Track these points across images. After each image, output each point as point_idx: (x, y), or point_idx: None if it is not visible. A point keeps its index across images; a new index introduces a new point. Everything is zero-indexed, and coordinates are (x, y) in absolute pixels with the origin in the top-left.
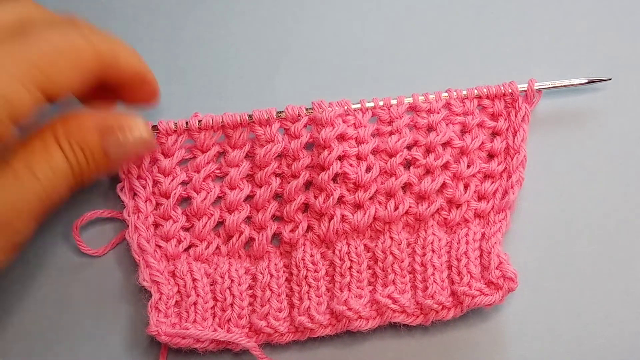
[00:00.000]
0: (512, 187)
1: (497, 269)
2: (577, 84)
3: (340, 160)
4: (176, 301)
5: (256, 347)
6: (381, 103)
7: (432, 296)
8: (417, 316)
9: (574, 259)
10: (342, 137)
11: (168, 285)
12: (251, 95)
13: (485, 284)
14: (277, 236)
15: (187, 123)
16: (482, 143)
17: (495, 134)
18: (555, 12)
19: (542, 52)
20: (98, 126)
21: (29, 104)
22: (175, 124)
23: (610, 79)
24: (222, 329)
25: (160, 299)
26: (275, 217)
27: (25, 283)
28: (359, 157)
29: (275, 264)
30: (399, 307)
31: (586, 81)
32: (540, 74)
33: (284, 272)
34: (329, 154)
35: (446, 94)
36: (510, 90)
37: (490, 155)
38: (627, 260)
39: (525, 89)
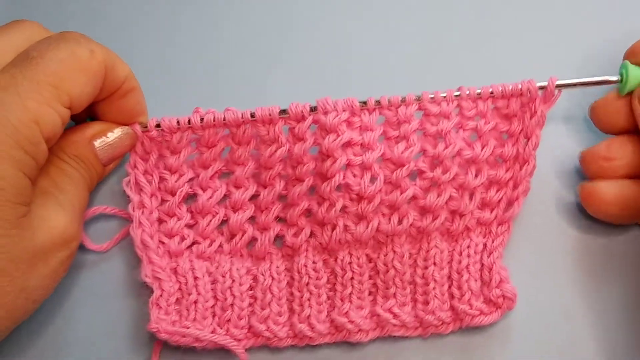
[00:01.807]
0: (517, 199)
1: (497, 287)
2: (602, 82)
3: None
4: (177, 298)
5: (246, 358)
6: (389, 101)
7: (432, 312)
8: (416, 328)
9: (575, 268)
10: (347, 144)
11: (169, 282)
12: (247, 97)
13: (485, 302)
14: (280, 237)
15: (189, 120)
16: (493, 149)
17: (507, 134)
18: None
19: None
20: (85, 137)
21: (58, 122)
22: (178, 122)
23: None
24: (221, 328)
25: (161, 295)
26: (279, 219)
27: None
28: (363, 167)
29: (277, 267)
30: (399, 322)
31: (616, 79)
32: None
33: (285, 275)
34: (331, 164)
35: (458, 93)
36: (527, 88)
37: (498, 159)
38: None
39: (545, 86)
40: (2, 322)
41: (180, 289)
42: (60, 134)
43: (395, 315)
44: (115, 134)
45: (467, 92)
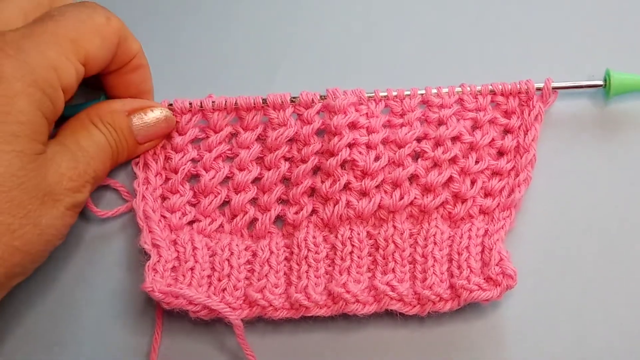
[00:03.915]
0: (518, 186)
1: (497, 265)
2: (594, 86)
3: (349, 147)
4: (174, 266)
5: (241, 325)
6: (395, 94)
7: (430, 287)
8: (414, 306)
9: (575, 259)
10: (353, 126)
11: (168, 251)
12: (255, 88)
13: (484, 279)
14: (280, 218)
15: (201, 103)
16: (493, 140)
17: (506, 131)
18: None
19: (550, 54)
20: (125, 109)
21: (73, 74)
22: (190, 104)
23: None
24: (217, 296)
25: (158, 261)
26: (281, 200)
27: None
28: (368, 146)
29: (277, 242)
30: (396, 295)
31: (603, 83)
32: (542, 76)
33: (284, 251)
34: (339, 141)
35: (459, 89)
36: (526, 88)
37: (500, 153)
38: (629, 262)
39: (541, 87)
40: (19, 255)
41: (178, 257)
42: (75, 89)
43: (392, 288)
44: (154, 113)
45: (468, 89)
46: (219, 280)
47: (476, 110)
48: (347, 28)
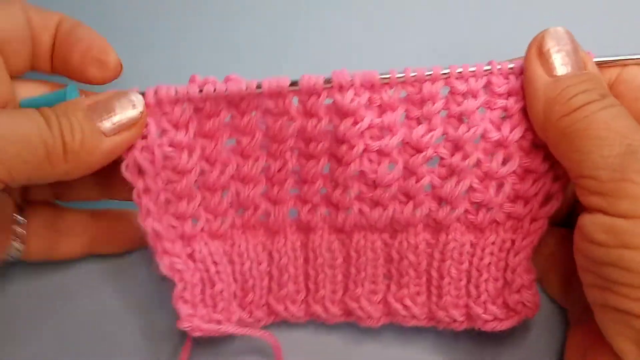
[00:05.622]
0: (557, 192)
1: (516, 292)
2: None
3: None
4: (201, 289)
5: (279, 347)
6: (413, 74)
7: (445, 309)
8: (429, 321)
9: None
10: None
11: (189, 272)
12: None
13: (502, 305)
14: (294, 208)
15: (188, 92)
16: (526, 130)
17: None
18: None
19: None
20: (84, 102)
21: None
22: (177, 92)
23: None
24: (244, 310)
25: (185, 288)
26: (293, 188)
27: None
28: (381, 153)
29: (292, 243)
30: (409, 314)
31: None
32: None
33: (301, 251)
34: (347, 151)
35: (489, 67)
36: None
37: (535, 146)
38: None
39: None
40: None
41: (201, 277)
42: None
43: (405, 307)
44: (127, 113)
45: (499, 67)
46: (244, 291)
47: (507, 96)
48: (349, 25)
